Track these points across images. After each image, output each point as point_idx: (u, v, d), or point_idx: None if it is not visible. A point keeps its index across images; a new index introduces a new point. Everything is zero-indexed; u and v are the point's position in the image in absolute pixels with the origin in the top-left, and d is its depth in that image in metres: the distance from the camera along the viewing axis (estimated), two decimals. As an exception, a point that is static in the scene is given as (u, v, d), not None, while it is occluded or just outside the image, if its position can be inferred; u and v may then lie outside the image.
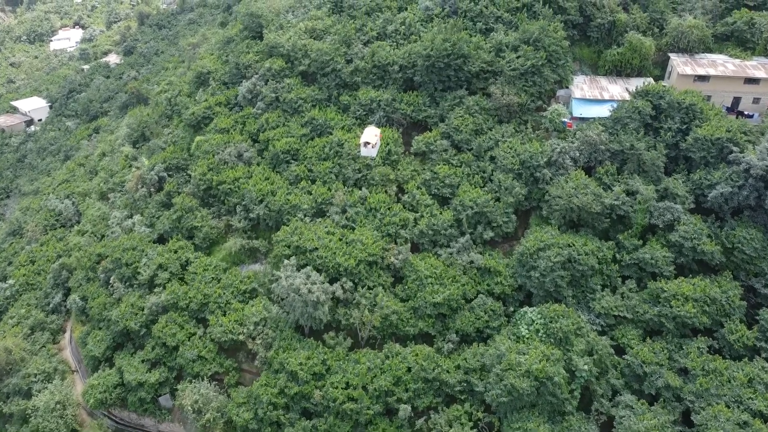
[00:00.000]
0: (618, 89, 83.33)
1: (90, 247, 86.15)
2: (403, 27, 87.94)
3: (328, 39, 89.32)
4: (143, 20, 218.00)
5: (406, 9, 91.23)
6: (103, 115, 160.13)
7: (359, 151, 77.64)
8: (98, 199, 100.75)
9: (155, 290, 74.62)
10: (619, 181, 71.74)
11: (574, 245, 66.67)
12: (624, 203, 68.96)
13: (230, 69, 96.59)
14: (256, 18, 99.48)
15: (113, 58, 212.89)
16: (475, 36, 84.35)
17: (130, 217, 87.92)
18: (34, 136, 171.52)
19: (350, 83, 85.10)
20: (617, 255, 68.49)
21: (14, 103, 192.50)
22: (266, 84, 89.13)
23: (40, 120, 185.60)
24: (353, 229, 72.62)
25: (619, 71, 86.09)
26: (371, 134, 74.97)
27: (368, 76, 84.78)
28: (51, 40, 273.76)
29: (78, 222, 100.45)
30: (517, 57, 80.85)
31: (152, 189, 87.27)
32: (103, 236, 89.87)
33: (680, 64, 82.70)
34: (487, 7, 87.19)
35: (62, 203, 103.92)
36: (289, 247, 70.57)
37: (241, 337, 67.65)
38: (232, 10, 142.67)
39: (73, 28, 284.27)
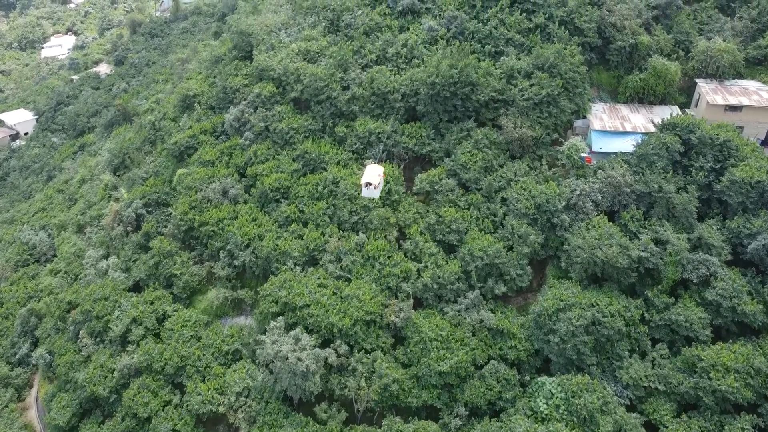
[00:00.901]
0: (641, 119, 75.68)
1: (61, 292, 78.53)
2: (404, 50, 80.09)
3: (323, 62, 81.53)
4: (135, 29, 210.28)
5: (408, 29, 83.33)
6: (90, 130, 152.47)
7: (357, 191, 69.82)
8: (75, 232, 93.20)
9: (128, 348, 66.95)
10: (646, 228, 64.05)
11: (598, 305, 58.99)
12: (653, 254, 61.24)
13: (217, 93, 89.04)
14: (246, 36, 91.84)
15: (104, 68, 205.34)
16: (483, 60, 76.74)
17: (106, 257, 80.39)
18: (19, 152, 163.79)
19: (347, 112, 77.28)
20: (646, 314, 60.78)
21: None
22: (255, 111, 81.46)
23: (26, 134, 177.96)
24: (349, 281, 64.93)
25: (641, 98, 78.46)
26: (374, 174, 66.26)
27: (366, 105, 76.92)
28: (43, 47, 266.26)
29: (53, 256, 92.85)
30: (531, 85, 73.18)
31: (129, 228, 79.61)
32: (77, 277, 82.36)
33: (709, 92, 75.09)
34: (496, 28, 79.48)
35: (37, 235, 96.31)
36: (276, 303, 62.92)
37: (221, 409, 59.80)
38: (227, 19, 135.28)
39: (66, 34, 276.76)
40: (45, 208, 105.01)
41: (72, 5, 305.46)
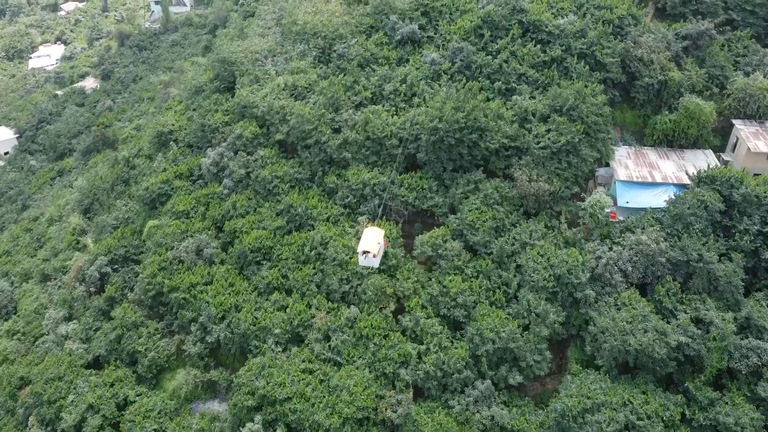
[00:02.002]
0: (671, 167, 66.54)
1: (15, 361, 69.50)
2: (403, 86, 70.97)
3: (312, 99, 72.46)
4: (123, 41, 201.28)
5: (408, 61, 74.24)
6: (70, 153, 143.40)
7: (348, 254, 60.74)
8: (39, 281, 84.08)
9: (82, 441, 58.12)
10: (684, 304, 55.03)
11: (631, 403, 49.92)
12: (694, 339, 52.18)
13: (195, 130, 79.98)
14: (228, 66, 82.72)
15: (90, 82, 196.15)
16: (493, 99, 67.71)
17: (68, 319, 71.44)
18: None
19: (338, 159, 68.16)
20: (686, 411, 51.67)
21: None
22: (236, 155, 72.35)
23: (6, 153, 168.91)
24: (338, 365, 55.87)
25: (670, 141, 69.40)
26: (372, 240, 54.93)
27: (360, 151, 67.81)
28: (30, 57, 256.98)
29: (14, 309, 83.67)
30: (547, 131, 64.17)
31: (92, 288, 70.51)
32: (36, 339, 73.33)
33: (750, 137, 66.12)
34: (507, 62, 70.36)
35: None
36: (253, 395, 53.87)
37: None
38: (218, 33, 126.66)
39: (55, 43, 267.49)
40: (10, 252, 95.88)
41: (62, 13, 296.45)
